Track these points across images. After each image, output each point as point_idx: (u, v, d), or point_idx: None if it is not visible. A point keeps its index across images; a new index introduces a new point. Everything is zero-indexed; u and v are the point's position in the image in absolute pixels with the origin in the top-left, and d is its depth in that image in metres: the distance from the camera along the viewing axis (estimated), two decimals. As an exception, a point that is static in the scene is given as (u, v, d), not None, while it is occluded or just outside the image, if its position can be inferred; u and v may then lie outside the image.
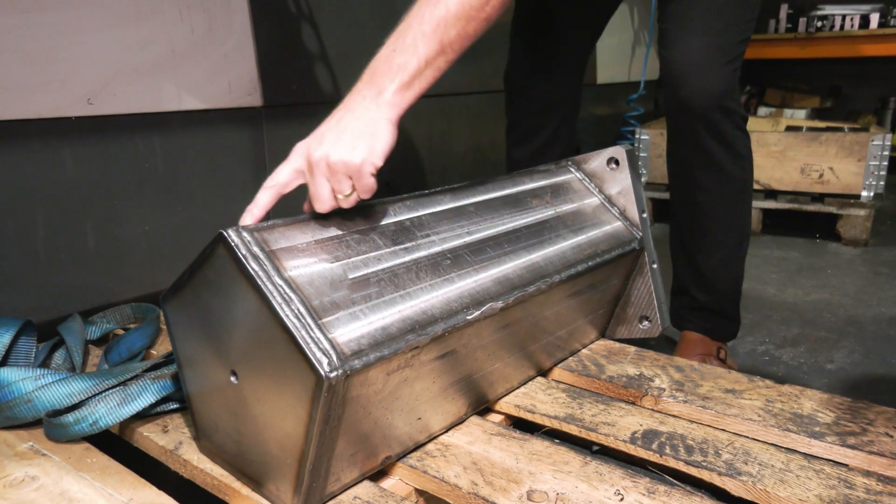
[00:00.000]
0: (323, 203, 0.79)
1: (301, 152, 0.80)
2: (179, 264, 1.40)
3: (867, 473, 0.81)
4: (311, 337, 0.65)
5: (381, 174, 0.79)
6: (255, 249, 0.69)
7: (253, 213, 0.79)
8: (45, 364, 1.07)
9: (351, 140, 0.77)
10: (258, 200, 0.80)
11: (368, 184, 0.78)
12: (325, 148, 0.77)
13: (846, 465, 0.83)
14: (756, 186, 2.67)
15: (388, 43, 0.83)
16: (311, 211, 0.81)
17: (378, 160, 0.78)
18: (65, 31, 1.20)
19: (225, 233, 0.69)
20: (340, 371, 0.64)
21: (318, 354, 0.64)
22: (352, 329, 0.69)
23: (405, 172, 2.04)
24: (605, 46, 3.03)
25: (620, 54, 3.23)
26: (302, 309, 0.66)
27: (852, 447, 0.86)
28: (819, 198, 2.60)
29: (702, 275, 1.38)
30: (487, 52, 2.30)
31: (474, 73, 2.26)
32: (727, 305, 1.40)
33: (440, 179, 2.19)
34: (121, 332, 1.25)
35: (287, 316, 0.65)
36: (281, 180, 0.81)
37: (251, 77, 1.52)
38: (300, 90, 1.66)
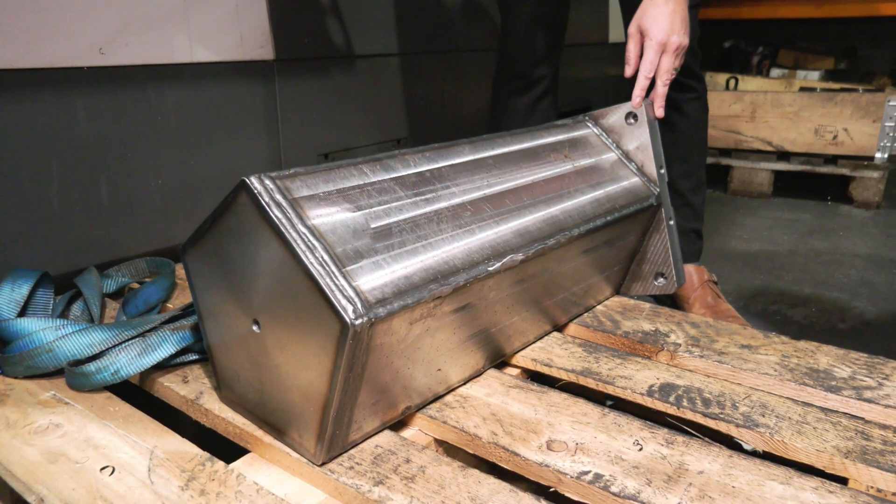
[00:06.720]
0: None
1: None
2: (193, 218, 1.41)
3: (884, 426, 0.81)
4: (335, 284, 0.65)
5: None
6: (278, 197, 0.68)
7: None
8: (63, 315, 1.08)
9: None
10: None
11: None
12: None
13: (863, 419, 0.84)
14: (768, 148, 2.64)
15: None
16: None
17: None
18: (74, -21, 1.18)
19: (247, 180, 0.68)
20: (365, 318, 0.64)
21: (343, 302, 0.64)
22: (375, 277, 0.69)
23: (416, 131, 2.01)
24: (618, 5, 2.97)
25: (633, 12, 3.17)
26: (326, 257, 0.66)
27: (869, 401, 0.87)
28: (832, 160, 2.57)
29: (685, 199, 1.49)
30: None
31: (485, 29, 2.22)
32: (702, 224, 1.54)
33: (452, 138, 2.17)
34: (136, 285, 1.25)
35: (311, 263, 0.65)
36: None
37: (263, 30, 1.50)
38: (312, 44, 1.63)
